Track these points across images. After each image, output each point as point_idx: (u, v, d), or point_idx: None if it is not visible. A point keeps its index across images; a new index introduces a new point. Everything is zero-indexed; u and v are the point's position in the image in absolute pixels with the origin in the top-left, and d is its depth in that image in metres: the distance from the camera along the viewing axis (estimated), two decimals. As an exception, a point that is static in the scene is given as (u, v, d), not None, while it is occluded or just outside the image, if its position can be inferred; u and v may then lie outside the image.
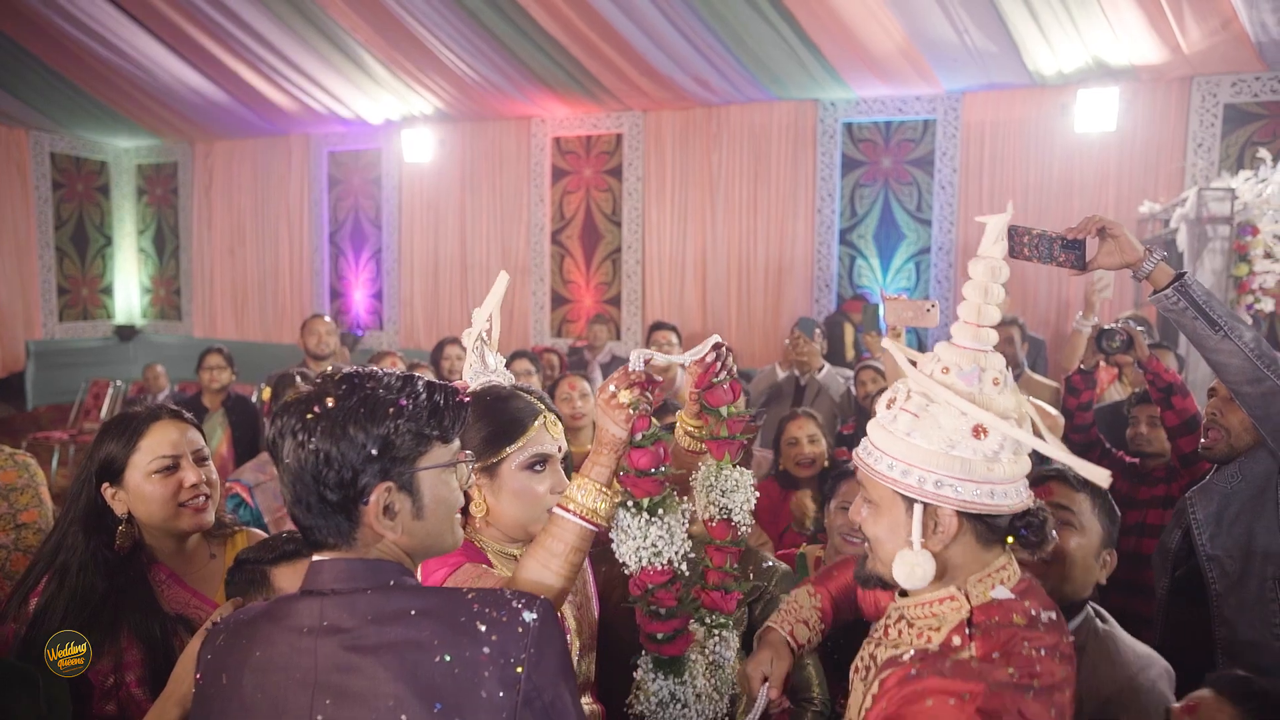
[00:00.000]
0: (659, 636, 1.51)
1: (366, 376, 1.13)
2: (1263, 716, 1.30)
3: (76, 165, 10.76)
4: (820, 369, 4.54)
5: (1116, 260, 1.91)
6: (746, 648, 1.80)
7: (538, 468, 1.56)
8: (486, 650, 1.04)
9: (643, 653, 1.53)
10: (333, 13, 7.05)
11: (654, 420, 1.47)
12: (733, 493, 1.56)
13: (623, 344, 8.47)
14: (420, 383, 1.15)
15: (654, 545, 1.42)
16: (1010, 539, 1.30)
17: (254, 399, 8.19)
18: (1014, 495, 1.26)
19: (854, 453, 1.37)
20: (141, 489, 1.67)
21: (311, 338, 4.64)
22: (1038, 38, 6.14)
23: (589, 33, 6.80)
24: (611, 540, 1.45)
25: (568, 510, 1.38)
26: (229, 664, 1.10)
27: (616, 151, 8.62)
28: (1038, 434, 1.26)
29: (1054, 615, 1.27)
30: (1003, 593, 1.27)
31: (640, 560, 1.43)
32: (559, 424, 1.63)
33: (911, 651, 1.27)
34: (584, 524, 1.37)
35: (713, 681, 1.56)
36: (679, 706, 1.49)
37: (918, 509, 1.25)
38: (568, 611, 1.64)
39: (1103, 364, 3.55)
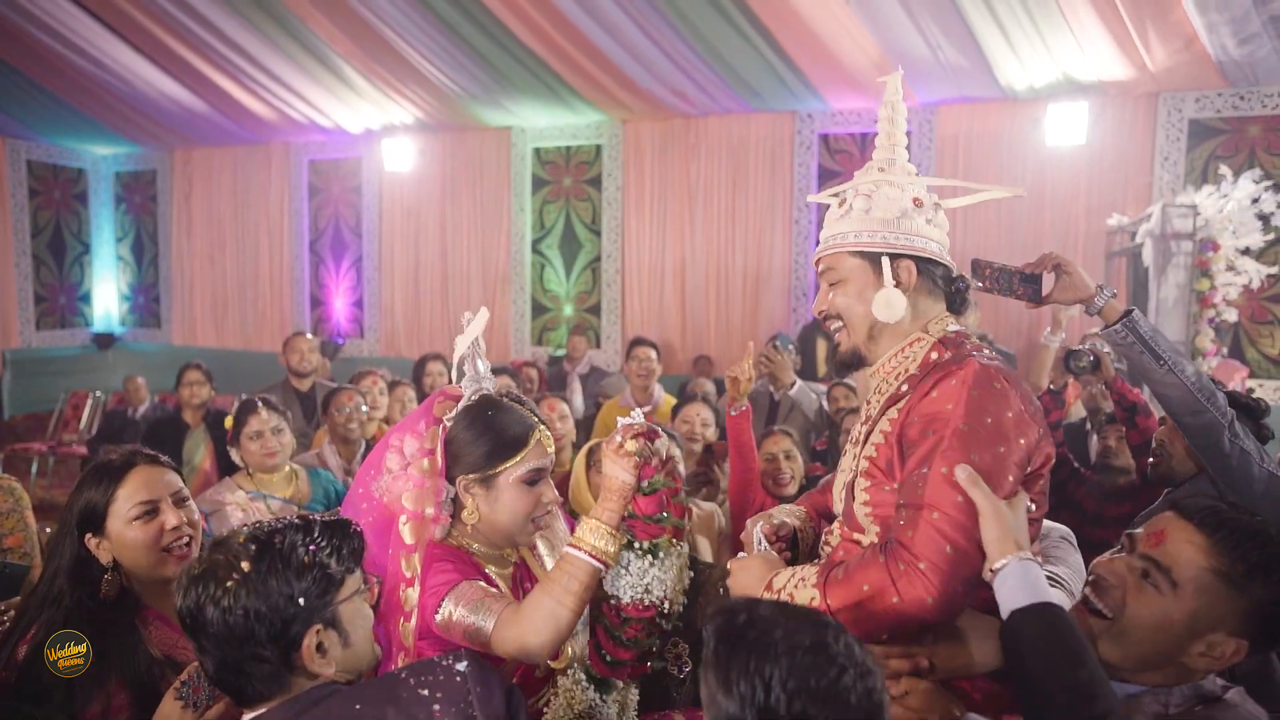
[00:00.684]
0: (608, 658, 1.59)
1: (270, 533, 1.23)
2: (1232, 544, 1.26)
3: (54, 173, 10.69)
4: (792, 385, 4.61)
5: (1070, 296, 2.00)
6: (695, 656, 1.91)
7: (533, 481, 1.64)
8: (437, 708, 1.14)
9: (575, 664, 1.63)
10: (311, 25, 7.07)
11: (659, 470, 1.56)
12: (650, 583, 1.56)
13: (602, 353, 8.55)
14: (317, 527, 1.25)
15: (648, 585, 1.52)
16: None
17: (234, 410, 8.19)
18: (945, 252, 1.62)
19: (816, 250, 1.67)
20: (124, 536, 1.68)
21: (294, 355, 4.67)
22: (1008, 53, 6.27)
23: (567, 46, 6.87)
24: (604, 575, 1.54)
25: (581, 549, 1.49)
26: None
27: (596, 161, 8.68)
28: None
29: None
30: (955, 327, 1.60)
31: (633, 596, 1.53)
32: (550, 437, 1.71)
33: (906, 384, 1.52)
34: (595, 563, 1.49)
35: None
36: None
37: (886, 261, 1.56)
38: None
39: (1070, 382, 3.66)
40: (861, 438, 1.58)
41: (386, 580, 1.64)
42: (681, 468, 3.12)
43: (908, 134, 6.94)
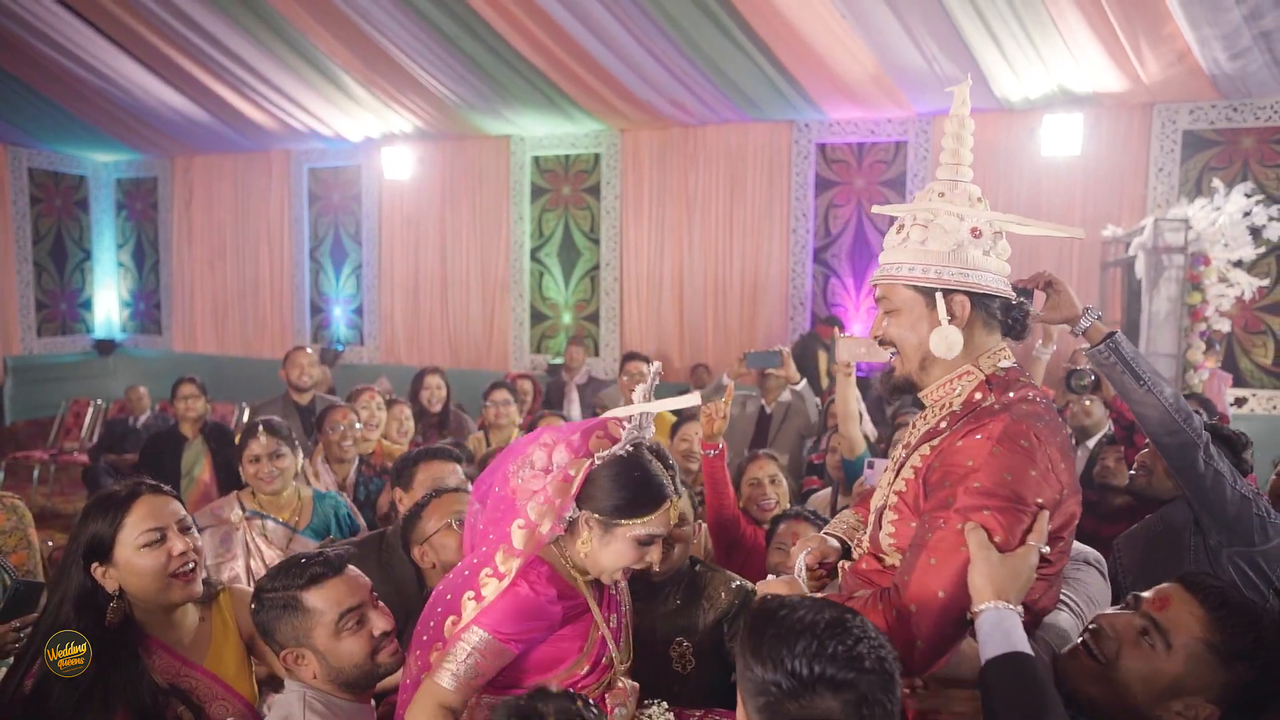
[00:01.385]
0: None
1: None
2: (1229, 624, 1.34)
3: (55, 180, 10.74)
4: (798, 382, 4.62)
5: (1057, 315, 2.05)
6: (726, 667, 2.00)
7: (647, 543, 1.71)
8: None
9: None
10: (311, 37, 7.12)
11: None
12: None
13: (601, 361, 8.59)
14: None
15: None
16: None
17: (235, 419, 8.24)
18: (1003, 284, 1.61)
19: (873, 275, 1.68)
20: (132, 563, 1.73)
21: (294, 369, 4.70)
22: (1003, 65, 6.32)
23: (565, 57, 6.91)
24: None
25: None
26: None
27: (595, 170, 8.73)
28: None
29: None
30: (1008, 363, 1.61)
31: None
32: (678, 507, 1.78)
33: (947, 419, 1.56)
34: None
35: None
36: None
37: (940, 296, 1.57)
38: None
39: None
40: (896, 468, 1.63)
41: (474, 555, 1.76)
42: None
43: (903, 144, 6.98)
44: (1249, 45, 5.51)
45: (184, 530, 1.81)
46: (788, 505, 2.99)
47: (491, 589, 1.66)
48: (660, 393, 1.76)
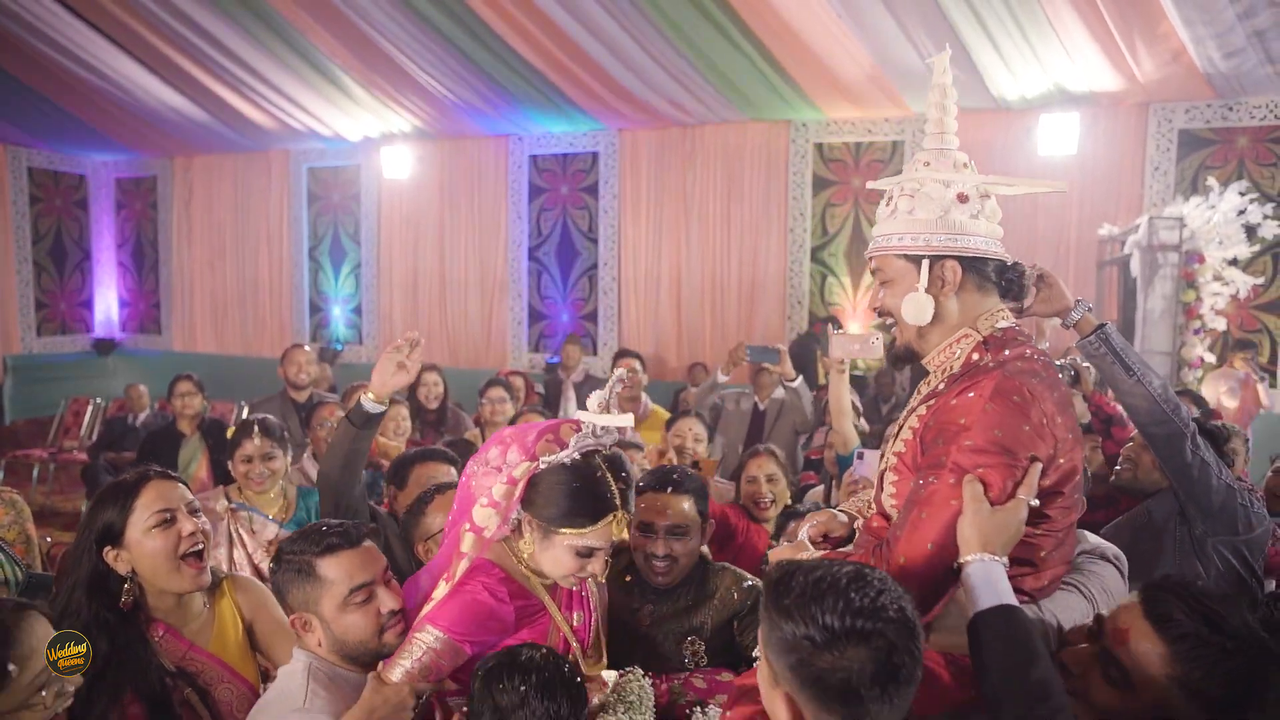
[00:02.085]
0: None
1: None
2: (1191, 657, 1.31)
3: (55, 180, 10.76)
4: (794, 379, 4.64)
5: (1048, 308, 2.07)
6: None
7: (586, 555, 1.68)
8: None
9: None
10: (311, 37, 7.14)
11: None
12: (634, 709, 1.70)
13: (599, 360, 8.61)
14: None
15: None
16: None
17: (234, 418, 8.25)
18: (995, 246, 1.62)
19: (869, 250, 1.69)
20: (143, 545, 1.76)
21: (292, 367, 4.72)
22: (999, 65, 6.34)
23: (563, 58, 6.93)
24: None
25: None
26: None
27: (593, 169, 8.75)
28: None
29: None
30: (1005, 323, 1.61)
31: None
32: (623, 523, 1.71)
33: (945, 382, 1.57)
34: None
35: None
36: None
37: (925, 264, 1.58)
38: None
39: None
40: (896, 430, 1.66)
41: (440, 557, 1.81)
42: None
43: (900, 143, 7.00)
44: (1243, 45, 5.53)
45: (193, 512, 1.86)
46: (787, 501, 3.00)
47: (440, 590, 1.68)
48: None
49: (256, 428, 2.99)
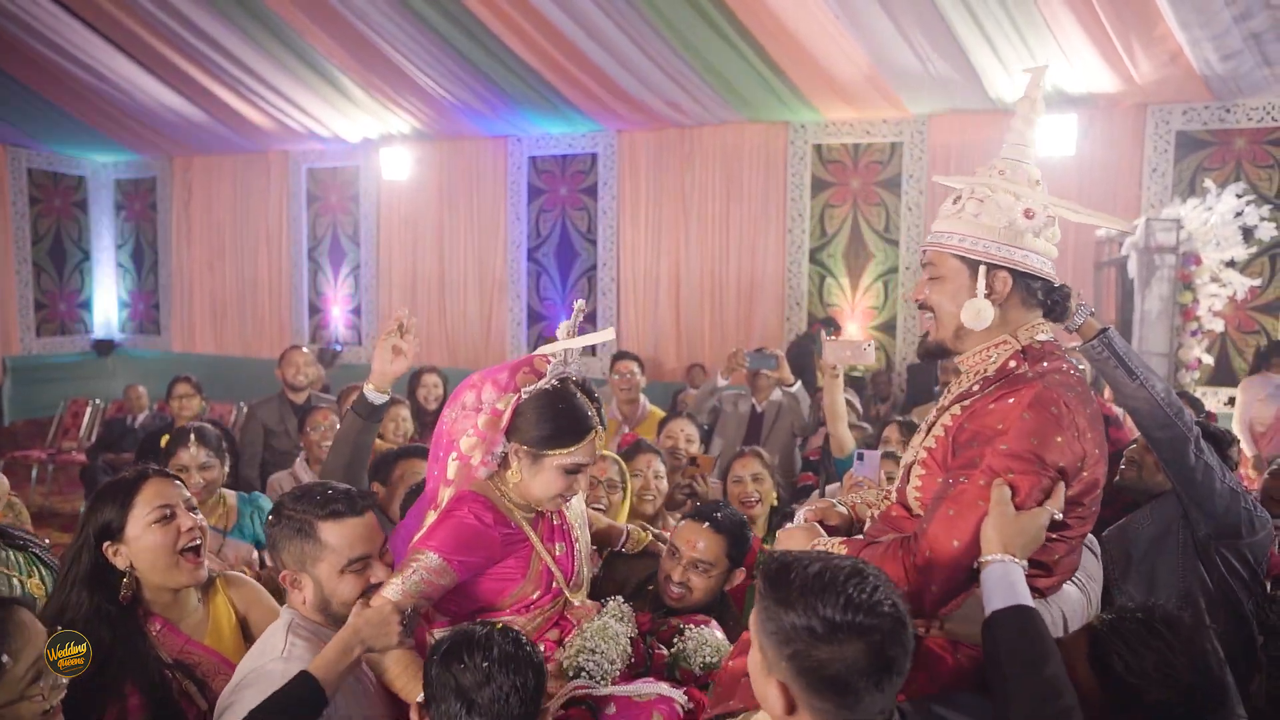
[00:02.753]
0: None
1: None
2: (1127, 706, 1.37)
3: (54, 180, 10.77)
4: (792, 384, 4.65)
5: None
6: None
7: (573, 471, 1.81)
8: None
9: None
10: (309, 38, 7.15)
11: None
12: (598, 649, 1.75)
13: (598, 361, 8.61)
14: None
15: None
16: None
17: (234, 419, 8.26)
18: (1049, 267, 1.65)
19: (925, 241, 1.73)
20: (142, 539, 1.79)
21: (290, 369, 4.72)
22: (997, 66, 6.34)
23: (562, 59, 6.94)
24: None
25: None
26: None
27: (592, 171, 8.76)
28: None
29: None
30: (1045, 336, 1.65)
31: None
32: (603, 439, 1.88)
33: (980, 384, 1.60)
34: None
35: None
36: None
37: (982, 269, 1.60)
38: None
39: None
40: (927, 427, 1.68)
41: (424, 496, 1.92)
42: (665, 484, 3.18)
43: (899, 144, 7.00)
44: (1240, 47, 5.54)
45: (190, 509, 1.89)
46: (774, 502, 3.00)
47: (430, 518, 1.81)
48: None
49: (193, 436, 2.93)
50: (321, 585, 1.69)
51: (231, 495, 3.10)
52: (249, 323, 10.52)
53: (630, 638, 1.83)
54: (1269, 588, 2.47)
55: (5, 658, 1.39)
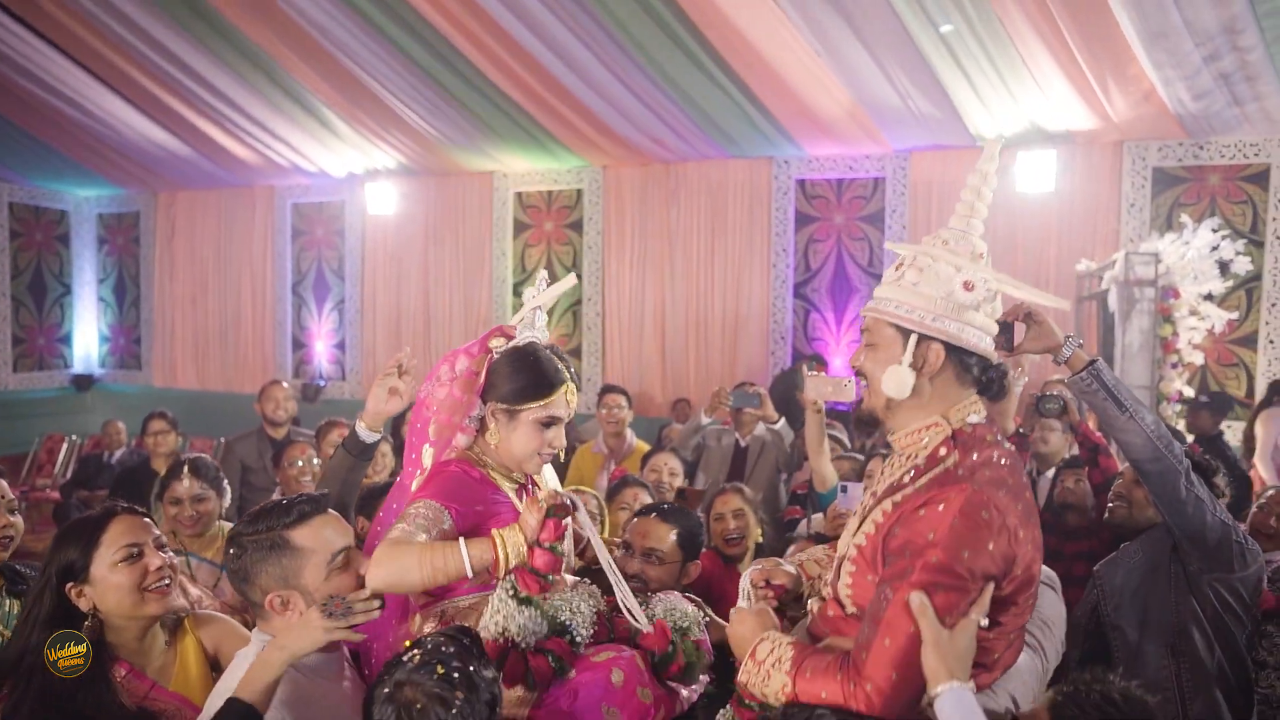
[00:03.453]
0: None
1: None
2: None
3: (36, 214, 10.71)
4: (776, 421, 4.64)
5: (1039, 345, 2.08)
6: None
7: (548, 425, 1.88)
8: None
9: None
10: (294, 74, 7.19)
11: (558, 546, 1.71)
12: (510, 626, 1.72)
13: (583, 396, 8.58)
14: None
15: (506, 627, 1.66)
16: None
17: (214, 454, 8.15)
18: (986, 343, 1.62)
19: (864, 308, 1.71)
20: (108, 579, 1.74)
21: (269, 404, 4.67)
22: (976, 103, 6.44)
23: (546, 95, 7.00)
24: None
25: (467, 552, 1.66)
26: None
27: (577, 206, 8.80)
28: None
29: (1010, 445, 1.63)
30: (976, 419, 1.61)
31: (491, 632, 1.66)
32: (574, 393, 1.95)
33: (911, 473, 1.56)
34: (469, 567, 1.65)
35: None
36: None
37: (913, 339, 1.57)
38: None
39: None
40: (860, 517, 1.63)
41: (407, 466, 1.98)
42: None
43: (881, 180, 7.07)
44: (1211, 87, 5.65)
45: (159, 548, 1.84)
46: (759, 538, 2.97)
47: (416, 480, 1.88)
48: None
49: (186, 468, 2.90)
50: (311, 594, 1.64)
51: (228, 527, 3.05)
52: (231, 358, 10.43)
53: (597, 611, 1.83)
54: (1260, 622, 2.46)
55: None
